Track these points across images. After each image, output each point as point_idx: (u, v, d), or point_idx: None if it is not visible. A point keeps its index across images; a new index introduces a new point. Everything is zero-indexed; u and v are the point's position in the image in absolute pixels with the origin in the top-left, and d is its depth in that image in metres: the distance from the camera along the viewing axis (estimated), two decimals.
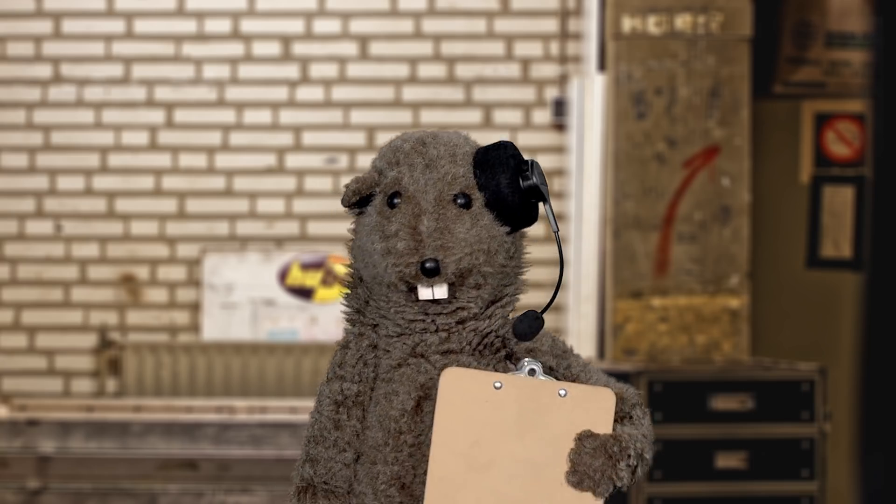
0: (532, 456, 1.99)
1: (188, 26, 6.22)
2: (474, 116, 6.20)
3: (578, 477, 1.99)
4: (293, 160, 6.23)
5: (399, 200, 2.09)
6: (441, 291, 2.06)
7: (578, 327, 5.29)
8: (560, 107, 6.04)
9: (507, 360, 2.12)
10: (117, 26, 6.22)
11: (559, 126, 6.08)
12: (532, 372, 2.06)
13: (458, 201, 2.09)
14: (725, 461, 4.59)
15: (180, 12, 6.22)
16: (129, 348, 6.09)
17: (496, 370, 2.09)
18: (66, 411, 5.43)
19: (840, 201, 5.36)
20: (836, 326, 5.26)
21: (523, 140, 6.17)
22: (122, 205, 6.22)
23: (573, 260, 5.43)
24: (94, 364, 6.17)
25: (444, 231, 2.06)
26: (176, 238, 6.22)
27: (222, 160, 6.23)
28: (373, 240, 2.10)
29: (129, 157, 6.23)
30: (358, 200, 2.13)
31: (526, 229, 2.20)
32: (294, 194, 6.22)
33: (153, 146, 6.23)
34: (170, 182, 6.22)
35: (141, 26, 6.22)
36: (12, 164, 6.22)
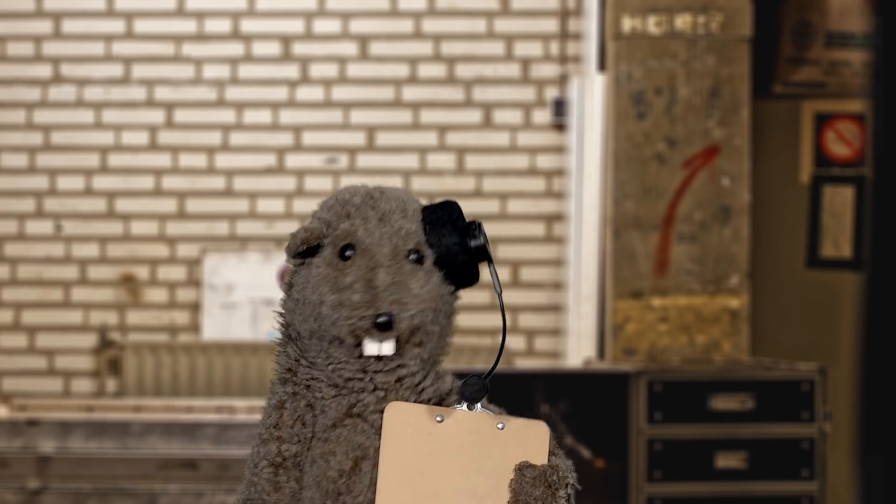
0: (475, 487, 2.03)
1: (188, 26, 6.22)
2: (474, 116, 6.20)
3: None
4: (293, 160, 6.23)
5: (352, 253, 2.08)
6: (388, 347, 2.05)
7: (578, 327, 5.29)
8: (560, 107, 6.04)
9: None
10: (117, 26, 6.22)
11: (559, 126, 6.08)
12: (471, 406, 2.09)
13: (412, 257, 2.08)
14: (725, 461, 4.59)
15: (180, 12, 6.22)
16: (129, 348, 6.09)
17: None
18: (66, 411, 5.43)
19: (840, 201, 5.36)
20: (836, 326, 5.26)
21: (523, 140, 6.17)
22: (122, 205, 6.22)
23: (573, 260, 5.43)
24: (94, 364, 6.17)
25: (399, 286, 2.05)
26: (176, 238, 6.22)
27: (222, 160, 6.23)
28: (321, 292, 2.07)
29: (129, 157, 6.23)
30: (304, 251, 2.13)
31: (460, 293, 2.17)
32: (294, 194, 6.22)
33: (153, 146, 6.23)
34: (170, 182, 6.22)
35: (141, 26, 6.22)
36: (12, 164, 6.22)
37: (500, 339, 2.19)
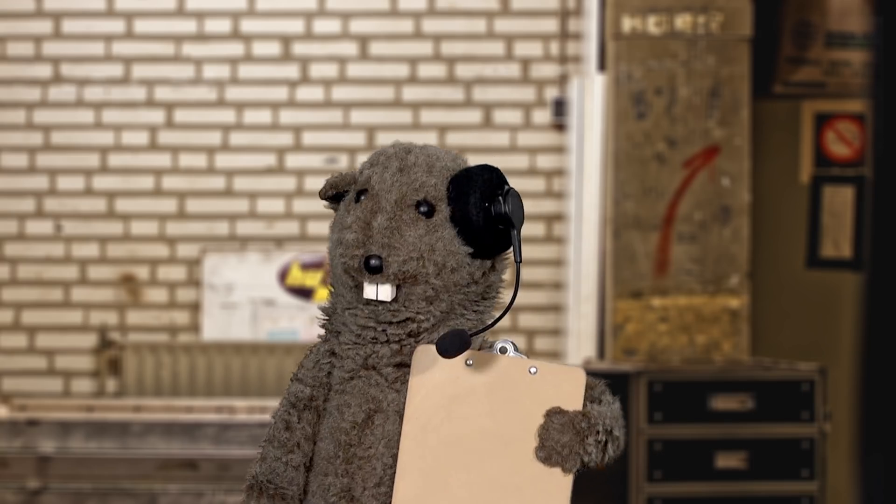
0: (502, 431, 2.01)
1: (188, 26, 6.22)
2: (474, 116, 6.20)
3: (546, 452, 2.01)
4: (293, 160, 6.23)
5: (364, 197, 2.10)
6: (385, 292, 2.06)
7: (578, 327, 5.29)
8: (560, 107, 6.04)
9: None
10: (117, 26, 6.22)
11: (559, 126, 6.08)
12: (503, 350, 2.07)
13: (421, 209, 2.08)
14: (725, 461, 4.59)
15: (180, 12, 6.22)
16: (129, 348, 6.09)
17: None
18: (66, 411, 5.43)
19: (840, 201, 5.36)
20: (836, 326, 5.26)
21: (523, 140, 6.17)
22: (122, 205, 6.22)
23: (573, 260, 5.43)
24: (94, 364, 6.17)
25: (394, 231, 2.06)
26: (176, 238, 6.22)
27: (222, 160, 6.23)
28: (333, 231, 2.13)
29: (129, 157, 6.23)
30: (335, 195, 2.15)
31: (505, 263, 2.15)
32: (294, 194, 6.23)
33: (153, 146, 6.23)
34: (170, 182, 6.22)
35: (141, 26, 6.22)
36: (12, 164, 6.22)
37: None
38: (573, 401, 2.02)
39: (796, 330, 5.31)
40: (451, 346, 2.04)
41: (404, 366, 2.09)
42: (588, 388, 2.08)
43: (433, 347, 2.05)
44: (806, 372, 4.65)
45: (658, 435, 4.58)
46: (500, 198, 2.09)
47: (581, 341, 5.25)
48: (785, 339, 5.29)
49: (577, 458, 2.01)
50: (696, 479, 4.59)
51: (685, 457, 4.58)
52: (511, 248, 2.12)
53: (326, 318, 2.17)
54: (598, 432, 2.02)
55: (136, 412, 5.44)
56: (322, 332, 2.18)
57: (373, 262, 2.04)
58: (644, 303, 5.03)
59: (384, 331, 2.09)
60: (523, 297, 6.61)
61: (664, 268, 5.04)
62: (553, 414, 2.02)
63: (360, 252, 2.05)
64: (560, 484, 2.01)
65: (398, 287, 2.06)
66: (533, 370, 2.04)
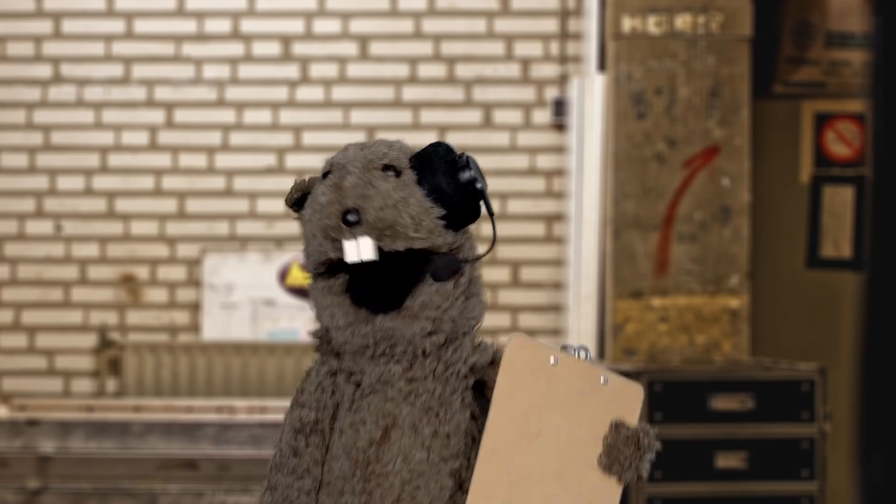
0: (574, 433, 2.08)
1: (188, 26, 6.22)
2: (474, 116, 6.20)
3: (610, 461, 2.08)
4: (293, 160, 6.23)
5: (330, 175, 2.12)
6: (367, 247, 2.06)
7: (578, 327, 5.29)
8: (560, 107, 6.04)
9: (474, 388, 2.13)
10: (117, 26, 6.22)
11: (559, 126, 6.08)
12: (581, 355, 2.12)
13: (388, 172, 2.10)
14: (725, 461, 4.59)
15: (180, 12, 6.22)
16: (129, 348, 6.09)
17: (462, 396, 2.11)
18: (66, 411, 5.43)
19: (840, 201, 5.36)
20: (836, 326, 5.26)
21: (523, 140, 6.17)
22: (122, 205, 6.22)
23: (573, 260, 5.43)
24: (94, 364, 6.17)
25: (366, 184, 2.08)
26: (176, 238, 6.22)
27: (222, 160, 6.23)
28: (306, 214, 2.12)
29: (129, 157, 6.23)
30: (301, 198, 2.16)
31: (481, 260, 2.17)
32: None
33: (153, 146, 6.23)
34: (170, 182, 6.22)
35: (141, 26, 6.22)
36: (12, 164, 6.22)
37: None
38: (632, 414, 2.12)
39: (796, 330, 5.31)
40: (444, 272, 2.09)
41: (416, 380, 2.09)
42: None
43: (526, 340, 2.10)
44: (806, 372, 4.65)
45: (658, 435, 4.58)
46: (463, 165, 2.12)
47: (581, 341, 5.25)
48: (785, 339, 5.29)
49: (634, 471, 2.09)
50: (696, 479, 4.59)
51: (685, 457, 4.58)
52: (480, 215, 2.19)
53: (318, 340, 2.17)
54: (654, 450, 2.12)
55: (136, 412, 5.44)
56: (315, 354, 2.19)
57: (350, 216, 2.04)
58: (644, 303, 5.03)
59: (392, 353, 2.09)
60: (523, 298, 6.62)
61: (664, 268, 5.04)
62: (620, 426, 2.10)
63: (336, 208, 2.05)
64: (612, 491, 2.09)
65: (380, 250, 2.04)
66: (603, 379, 2.11)
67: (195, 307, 6.19)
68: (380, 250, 2.06)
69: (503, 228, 6.16)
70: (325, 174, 2.14)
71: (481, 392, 2.13)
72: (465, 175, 2.12)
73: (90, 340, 6.18)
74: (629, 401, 2.11)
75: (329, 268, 2.11)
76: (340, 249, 2.06)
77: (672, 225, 5.04)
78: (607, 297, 5.10)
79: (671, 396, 4.59)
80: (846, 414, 4.99)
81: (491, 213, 2.19)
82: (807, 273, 5.36)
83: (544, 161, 6.17)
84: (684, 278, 5.04)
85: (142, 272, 6.21)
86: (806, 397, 4.62)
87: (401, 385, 2.09)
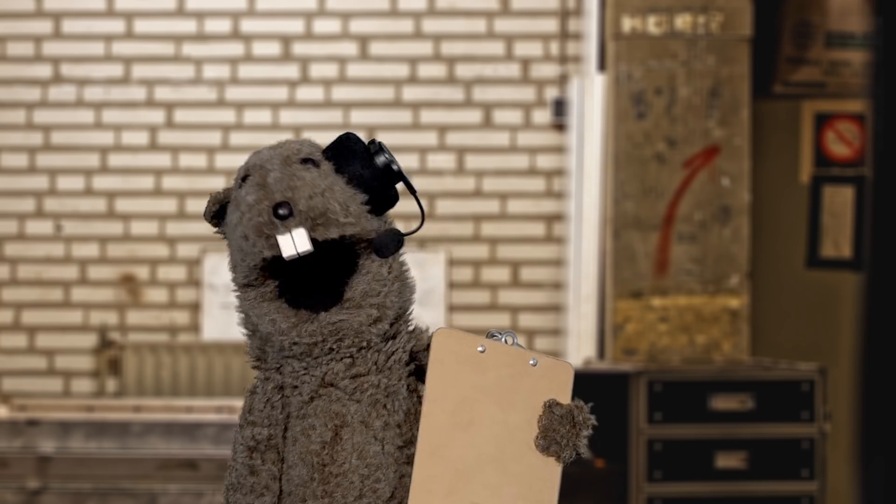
0: (507, 419, 2.10)
1: (188, 26, 6.22)
2: (474, 116, 6.20)
3: (547, 442, 2.08)
4: None
5: (248, 178, 2.11)
6: (301, 239, 2.05)
7: (578, 327, 5.29)
8: (560, 107, 6.04)
9: (415, 374, 2.14)
10: (117, 26, 6.22)
11: (559, 126, 6.08)
12: (508, 341, 2.13)
13: (307, 164, 2.10)
14: (725, 461, 4.59)
15: (180, 12, 6.23)
16: (129, 348, 6.09)
17: (407, 383, 2.12)
18: (66, 411, 5.43)
19: (840, 201, 5.36)
20: (836, 326, 5.26)
21: (523, 140, 6.17)
22: (122, 205, 6.22)
23: (573, 260, 5.43)
24: (94, 364, 6.17)
25: (291, 177, 2.07)
26: (176, 238, 6.22)
27: (222, 160, 6.23)
28: (230, 224, 2.11)
29: (129, 157, 6.23)
30: (219, 210, 2.15)
31: (402, 253, 2.17)
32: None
33: (153, 146, 6.23)
34: (170, 182, 6.22)
35: (141, 26, 6.22)
36: (12, 164, 6.22)
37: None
38: (565, 392, 2.12)
39: (796, 330, 5.31)
40: (388, 246, 2.09)
41: (360, 375, 2.10)
42: None
43: (451, 331, 2.11)
44: (806, 372, 4.65)
45: (658, 435, 4.58)
46: (376, 151, 2.12)
47: (581, 341, 5.25)
48: (785, 339, 5.29)
49: (572, 449, 2.08)
50: (696, 479, 4.59)
51: (685, 457, 4.58)
52: (397, 201, 2.15)
53: (256, 360, 2.17)
54: (589, 426, 2.09)
55: (136, 412, 5.44)
56: (256, 373, 2.19)
57: (281, 210, 2.04)
58: (644, 303, 5.03)
59: (337, 346, 2.09)
60: (523, 298, 6.62)
61: (664, 268, 5.04)
62: (554, 405, 2.09)
63: (266, 204, 2.04)
64: (553, 472, 2.10)
65: (314, 241, 2.04)
66: (533, 362, 2.12)
67: (195, 307, 6.19)
68: (313, 241, 2.05)
69: (503, 229, 6.16)
70: (243, 178, 2.11)
71: (421, 377, 2.14)
72: (381, 159, 2.12)
73: (90, 340, 6.18)
74: (561, 380, 2.12)
75: (260, 273, 2.10)
76: (275, 247, 2.05)
77: (672, 225, 5.04)
78: (607, 297, 5.10)
79: (671, 396, 4.59)
80: (846, 414, 4.99)
81: (413, 190, 2.15)
82: (807, 273, 5.36)
83: (544, 161, 6.17)
84: (684, 278, 5.04)
85: (142, 272, 6.21)
86: (806, 397, 4.62)
87: (345, 383, 2.10)
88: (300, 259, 2.04)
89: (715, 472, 4.59)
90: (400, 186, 2.17)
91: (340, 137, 2.15)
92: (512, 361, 2.11)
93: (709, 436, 4.60)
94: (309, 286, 2.08)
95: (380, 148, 2.13)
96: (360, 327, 2.09)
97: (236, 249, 2.10)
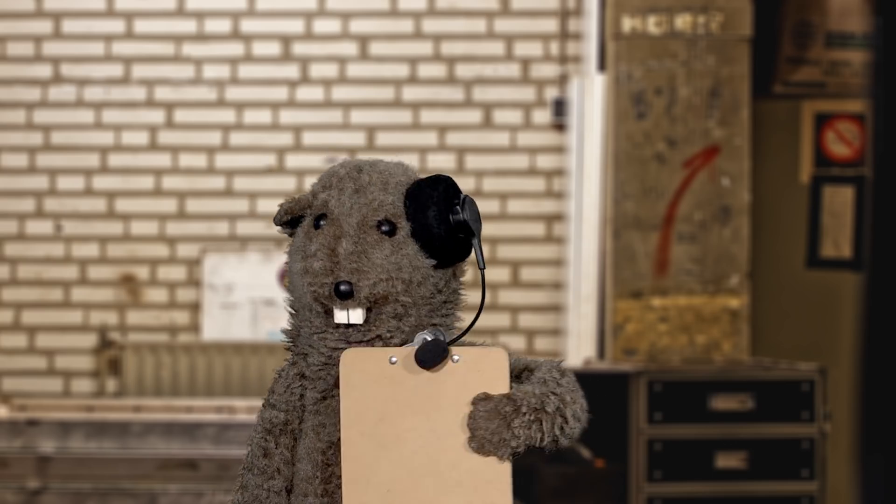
0: (434, 427, 2.00)
1: (188, 26, 6.22)
2: (474, 116, 6.20)
3: (478, 442, 1.99)
4: (293, 160, 6.23)
5: (324, 223, 2.10)
6: (356, 316, 2.06)
7: (578, 327, 5.29)
8: (560, 107, 6.04)
9: None
10: (117, 26, 6.22)
11: (559, 126, 6.08)
12: (423, 341, 2.06)
13: (382, 228, 2.08)
14: (725, 461, 4.59)
15: (180, 12, 6.23)
16: (129, 348, 6.09)
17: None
18: (66, 411, 5.43)
19: (840, 201, 5.36)
20: (836, 326, 5.26)
21: (523, 140, 6.17)
22: (122, 205, 6.22)
23: (573, 260, 5.43)
24: (94, 364, 6.17)
25: (361, 255, 2.06)
26: (176, 238, 6.22)
27: (222, 160, 6.23)
28: (295, 259, 2.11)
29: (129, 157, 6.23)
30: (290, 220, 2.15)
31: (465, 268, 2.15)
32: (294, 194, 6.22)
33: (153, 146, 6.23)
34: (170, 182, 6.22)
35: (141, 26, 6.22)
36: (12, 164, 6.22)
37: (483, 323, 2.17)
38: (499, 384, 2.00)
39: (796, 330, 5.31)
40: (430, 358, 2.03)
41: None
42: (528, 369, 2.07)
43: (358, 350, 2.06)
44: (806, 372, 4.65)
45: (658, 435, 4.58)
46: (458, 206, 2.10)
47: (581, 341, 5.25)
48: (785, 339, 5.29)
49: (506, 443, 1.98)
50: (696, 479, 4.59)
51: (685, 457, 4.58)
52: (471, 254, 2.11)
53: (290, 341, 2.17)
54: (523, 413, 1.99)
55: (136, 412, 5.44)
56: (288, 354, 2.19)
57: (343, 287, 2.04)
58: (644, 303, 5.03)
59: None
60: (523, 298, 6.62)
61: (664, 268, 5.04)
62: (479, 401, 2.00)
63: (330, 280, 2.05)
64: (499, 472, 1.98)
65: (368, 309, 2.06)
66: (456, 358, 2.02)
67: (195, 307, 6.19)
68: (368, 310, 2.06)
69: (503, 229, 6.16)
70: (319, 218, 2.11)
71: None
72: (456, 218, 2.10)
73: (90, 340, 6.18)
74: (493, 369, 1.99)
75: None
76: (329, 311, 2.06)
77: (672, 225, 5.04)
78: (607, 297, 5.10)
79: (671, 396, 4.59)
80: (846, 414, 4.99)
81: (481, 267, 2.09)
82: (807, 273, 5.36)
83: (544, 161, 6.17)
84: (684, 278, 5.04)
85: (142, 272, 6.21)
86: (806, 397, 4.62)
87: None
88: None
89: (715, 472, 4.58)
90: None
91: (431, 178, 2.11)
92: None
93: (709, 436, 4.60)
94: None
95: (463, 205, 2.10)
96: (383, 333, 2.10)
97: (292, 277, 2.12)
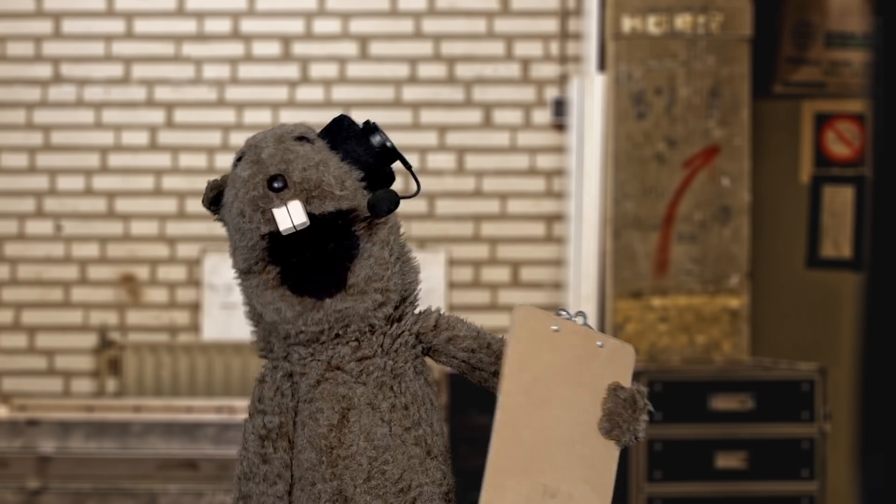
0: (576, 400, 2.09)
1: (188, 26, 6.22)
2: (474, 116, 6.20)
3: (611, 425, 2.09)
4: None
5: (244, 157, 2.12)
6: (297, 212, 2.04)
7: None
8: (560, 107, 6.04)
9: (424, 354, 2.14)
10: (117, 26, 6.22)
11: (559, 126, 6.08)
12: (580, 319, 2.13)
13: (302, 141, 2.11)
14: (725, 461, 4.59)
15: (180, 12, 6.23)
16: (129, 348, 6.09)
17: (413, 365, 2.11)
18: (66, 411, 5.43)
19: (840, 201, 5.36)
20: (836, 326, 5.26)
21: (523, 140, 6.17)
22: (122, 205, 6.22)
23: (573, 260, 5.43)
24: (94, 364, 6.17)
25: (286, 151, 2.08)
26: (176, 238, 6.22)
27: (222, 160, 6.23)
28: (227, 205, 2.14)
29: (129, 157, 6.23)
30: (216, 197, 2.15)
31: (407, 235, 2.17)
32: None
33: (153, 146, 6.23)
34: (170, 182, 6.22)
35: (141, 26, 6.22)
36: (12, 164, 6.22)
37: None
38: (626, 376, 2.12)
39: (796, 330, 5.31)
40: (384, 204, 2.08)
41: (366, 358, 2.09)
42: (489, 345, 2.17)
43: (530, 308, 2.10)
44: (806, 372, 4.65)
45: (658, 435, 4.58)
46: (371, 131, 2.13)
47: None
48: (785, 339, 5.29)
49: (632, 432, 2.10)
50: (696, 479, 4.59)
51: (685, 457, 4.58)
52: (394, 181, 2.17)
53: (262, 350, 2.17)
54: (647, 412, 2.11)
55: (136, 412, 5.44)
56: (264, 361, 2.19)
57: (276, 183, 2.04)
58: (644, 303, 5.03)
59: (343, 332, 2.09)
60: (523, 298, 6.61)
61: (664, 268, 5.04)
62: (618, 389, 2.09)
63: (260, 178, 2.05)
64: (612, 455, 2.11)
65: (311, 214, 2.04)
66: (600, 343, 2.11)
67: (195, 307, 6.19)
68: (310, 216, 2.05)
69: (503, 229, 6.16)
70: (239, 159, 2.13)
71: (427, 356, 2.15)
72: (376, 139, 2.12)
73: (90, 340, 6.18)
74: (623, 363, 2.12)
75: (261, 257, 2.09)
76: (272, 221, 2.05)
77: (672, 225, 5.04)
78: (607, 297, 5.10)
79: (671, 396, 4.59)
80: (846, 414, 4.99)
81: (408, 165, 2.16)
82: (807, 273, 5.36)
83: (544, 161, 6.17)
84: (684, 278, 5.04)
85: (142, 272, 6.21)
86: (806, 397, 4.62)
87: (351, 366, 2.09)
88: (300, 238, 2.04)
89: (715, 472, 4.58)
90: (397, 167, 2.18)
91: (335, 119, 2.16)
92: (582, 342, 2.10)
93: (709, 436, 4.60)
94: (311, 272, 2.07)
95: (374, 128, 2.13)
96: (365, 313, 2.08)
97: (234, 230, 2.11)
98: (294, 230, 2.03)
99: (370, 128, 2.14)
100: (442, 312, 2.15)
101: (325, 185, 2.04)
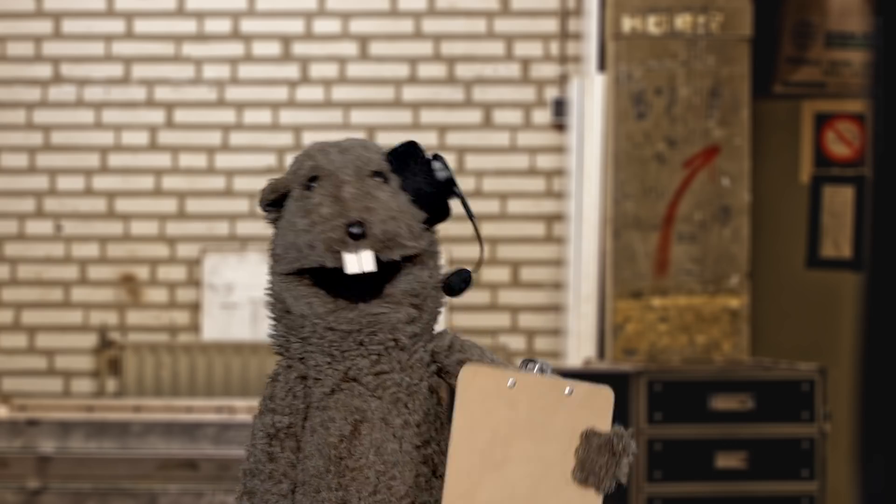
0: (542, 454, 2.03)
1: (188, 26, 6.22)
2: (474, 116, 6.20)
3: (585, 474, 2.03)
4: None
5: (318, 182, 2.10)
6: (368, 260, 2.05)
7: (578, 327, 5.29)
8: (560, 107, 6.04)
9: (438, 374, 2.13)
10: (117, 26, 6.22)
11: (559, 126, 6.08)
12: (542, 370, 2.08)
13: (377, 178, 2.10)
14: (725, 461, 4.59)
15: (180, 12, 6.23)
16: (129, 348, 6.09)
17: (427, 383, 2.11)
18: (66, 411, 5.43)
19: (840, 201, 5.36)
20: (836, 326, 5.26)
21: (523, 140, 6.17)
22: (122, 205, 6.22)
23: (573, 260, 5.43)
24: (94, 364, 6.17)
25: (367, 195, 2.07)
26: (176, 238, 6.22)
27: (222, 160, 6.23)
28: (294, 223, 2.09)
29: (129, 157, 6.23)
30: (276, 200, 2.14)
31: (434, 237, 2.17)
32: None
33: (153, 146, 6.23)
34: (170, 182, 6.22)
35: (141, 26, 6.22)
36: (12, 164, 6.22)
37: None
38: (603, 420, 2.06)
39: (796, 330, 5.31)
40: (461, 285, 2.11)
41: (383, 373, 2.09)
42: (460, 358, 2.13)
43: (478, 367, 2.06)
44: (806, 372, 4.65)
45: (658, 435, 4.58)
46: (437, 163, 2.12)
47: (581, 341, 5.25)
48: (785, 339, 5.29)
49: (612, 479, 2.04)
50: (696, 479, 4.59)
51: (685, 457, 4.58)
52: (450, 214, 2.16)
53: (280, 346, 2.16)
54: (630, 454, 2.06)
55: (136, 412, 5.44)
56: (279, 359, 2.18)
57: (355, 229, 2.04)
58: (644, 303, 5.03)
59: (363, 344, 2.09)
60: (523, 298, 6.62)
61: (664, 268, 5.04)
62: (591, 435, 2.05)
63: (341, 221, 2.04)
64: (592, 502, 2.04)
65: (378, 261, 2.04)
66: (568, 391, 2.06)
67: (195, 307, 6.19)
68: (377, 261, 2.06)
69: (503, 229, 6.16)
70: (311, 179, 2.11)
71: (447, 380, 2.14)
72: (443, 175, 2.12)
73: (90, 340, 6.18)
74: (599, 406, 2.06)
75: (303, 271, 2.10)
76: (339, 261, 2.05)
77: (672, 225, 5.04)
78: (607, 297, 5.10)
79: (671, 396, 4.59)
80: (846, 414, 4.99)
81: (471, 216, 2.16)
82: (807, 273, 5.36)
83: (544, 161, 6.17)
84: (684, 278, 5.04)
85: (142, 272, 6.21)
86: (806, 397, 4.62)
87: (368, 379, 2.09)
88: (360, 277, 2.06)
89: (715, 472, 4.58)
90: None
91: (405, 144, 2.14)
92: (545, 392, 2.04)
93: (709, 436, 4.59)
94: (350, 282, 2.08)
95: (442, 163, 2.13)
96: (396, 323, 2.09)
97: (292, 247, 2.09)
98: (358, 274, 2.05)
99: (436, 159, 2.14)
100: (457, 335, 2.16)
101: (399, 238, 2.06)
